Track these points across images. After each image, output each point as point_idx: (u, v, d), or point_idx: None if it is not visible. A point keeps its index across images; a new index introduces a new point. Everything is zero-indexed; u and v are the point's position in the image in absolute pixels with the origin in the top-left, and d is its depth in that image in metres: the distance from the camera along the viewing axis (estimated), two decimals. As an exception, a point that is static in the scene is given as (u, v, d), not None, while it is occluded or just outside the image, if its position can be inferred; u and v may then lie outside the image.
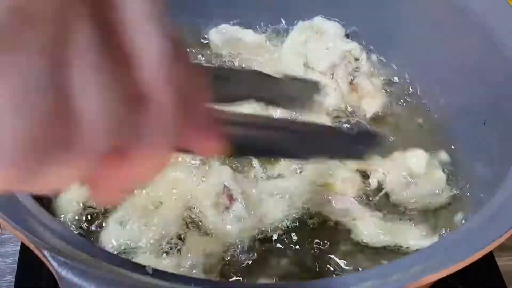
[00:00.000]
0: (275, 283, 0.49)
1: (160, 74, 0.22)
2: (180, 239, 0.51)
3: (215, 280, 0.48)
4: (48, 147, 0.20)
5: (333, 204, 0.55)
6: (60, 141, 0.20)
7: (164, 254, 0.50)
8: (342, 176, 0.56)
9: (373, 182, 0.57)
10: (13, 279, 0.57)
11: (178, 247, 0.51)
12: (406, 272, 0.38)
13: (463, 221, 0.54)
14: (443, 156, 0.60)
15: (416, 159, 0.58)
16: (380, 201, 0.56)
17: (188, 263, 0.49)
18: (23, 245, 0.59)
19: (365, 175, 0.58)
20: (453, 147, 0.61)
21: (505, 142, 0.52)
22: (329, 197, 0.55)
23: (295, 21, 0.71)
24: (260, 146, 0.33)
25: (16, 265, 0.59)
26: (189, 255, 0.50)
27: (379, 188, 0.57)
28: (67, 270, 0.34)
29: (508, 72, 0.53)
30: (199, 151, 0.27)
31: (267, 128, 0.34)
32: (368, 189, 0.57)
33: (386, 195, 0.57)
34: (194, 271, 0.49)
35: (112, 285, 0.34)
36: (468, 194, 0.57)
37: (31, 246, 0.36)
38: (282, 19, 0.72)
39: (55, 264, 0.34)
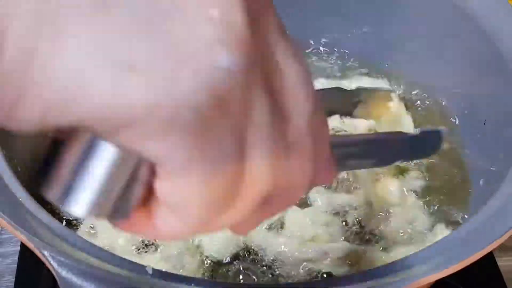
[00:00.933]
0: (275, 283, 0.49)
1: (306, 129, 0.24)
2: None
3: (215, 280, 0.48)
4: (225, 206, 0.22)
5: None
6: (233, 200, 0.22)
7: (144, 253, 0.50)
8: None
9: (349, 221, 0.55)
10: (13, 279, 0.57)
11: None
12: (406, 272, 0.38)
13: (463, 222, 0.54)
14: (416, 181, 0.58)
15: (389, 188, 0.56)
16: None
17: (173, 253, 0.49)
18: (23, 245, 0.59)
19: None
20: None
21: (505, 142, 0.52)
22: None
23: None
24: (352, 159, 0.36)
25: (16, 265, 0.59)
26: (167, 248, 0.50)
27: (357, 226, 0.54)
28: (67, 270, 0.34)
29: (508, 72, 0.53)
30: (320, 182, 0.28)
31: (354, 144, 0.37)
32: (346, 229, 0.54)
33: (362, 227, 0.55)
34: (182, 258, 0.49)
35: (112, 285, 0.34)
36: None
37: (31, 246, 0.36)
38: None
39: (55, 264, 0.34)
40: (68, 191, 0.21)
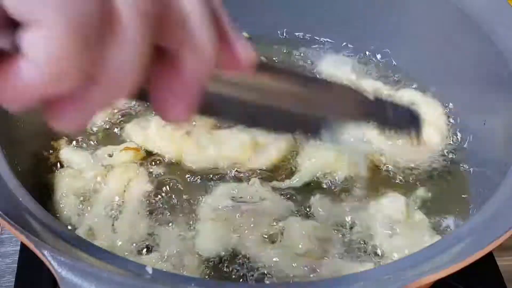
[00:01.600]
0: (275, 283, 0.49)
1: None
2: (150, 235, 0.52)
3: (215, 280, 0.48)
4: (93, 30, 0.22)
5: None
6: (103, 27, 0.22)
7: (144, 251, 0.50)
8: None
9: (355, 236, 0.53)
10: (13, 279, 0.57)
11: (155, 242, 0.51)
12: (406, 272, 0.38)
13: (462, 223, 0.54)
14: (421, 192, 0.57)
15: (394, 204, 0.54)
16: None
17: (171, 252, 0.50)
18: (23, 245, 0.59)
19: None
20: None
21: (505, 142, 0.52)
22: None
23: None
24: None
25: (16, 265, 0.59)
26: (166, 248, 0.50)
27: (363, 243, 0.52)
28: (67, 270, 0.34)
29: (508, 72, 0.53)
30: (232, 62, 0.28)
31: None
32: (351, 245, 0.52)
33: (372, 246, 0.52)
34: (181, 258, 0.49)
35: (112, 285, 0.34)
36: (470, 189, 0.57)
37: (31, 246, 0.36)
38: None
39: (55, 264, 0.34)
40: None
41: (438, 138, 0.61)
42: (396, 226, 0.53)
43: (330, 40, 0.72)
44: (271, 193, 0.55)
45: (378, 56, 0.70)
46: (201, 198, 0.55)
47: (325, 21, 0.71)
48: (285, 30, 0.73)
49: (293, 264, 0.49)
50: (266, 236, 0.52)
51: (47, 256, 0.35)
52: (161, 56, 0.25)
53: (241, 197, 0.55)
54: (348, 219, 0.54)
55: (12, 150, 0.47)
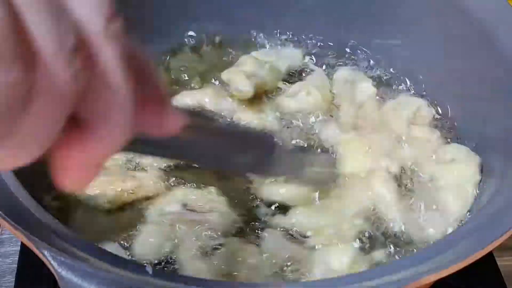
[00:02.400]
0: (274, 283, 0.49)
1: (100, 29, 0.23)
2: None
3: (215, 280, 0.48)
4: (19, 89, 0.20)
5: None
6: (26, 79, 0.20)
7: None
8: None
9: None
10: (13, 279, 0.58)
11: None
12: (406, 272, 0.38)
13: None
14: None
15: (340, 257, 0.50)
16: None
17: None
18: (23, 245, 0.59)
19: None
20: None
21: (505, 142, 0.52)
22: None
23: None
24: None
25: (16, 265, 0.59)
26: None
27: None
28: (67, 270, 0.34)
29: (508, 72, 0.53)
30: (154, 128, 0.27)
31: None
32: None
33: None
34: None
35: (112, 285, 0.34)
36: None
37: (31, 246, 0.36)
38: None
39: (55, 264, 0.34)
40: None
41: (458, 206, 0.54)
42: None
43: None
44: (225, 205, 0.54)
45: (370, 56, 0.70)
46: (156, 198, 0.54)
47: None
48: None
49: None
50: (200, 250, 0.50)
51: (47, 256, 0.35)
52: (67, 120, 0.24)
53: (192, 205, 0.54)
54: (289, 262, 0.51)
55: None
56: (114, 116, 0.24)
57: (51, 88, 0.21)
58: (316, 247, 0.51)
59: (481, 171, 0.55)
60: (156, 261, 0.49)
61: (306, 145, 0.60)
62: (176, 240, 0.51)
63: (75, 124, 0.23)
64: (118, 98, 0.23)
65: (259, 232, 0.53)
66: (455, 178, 0.55)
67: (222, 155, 0.37)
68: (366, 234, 0.52)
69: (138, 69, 0.25)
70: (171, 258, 0.50)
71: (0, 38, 0.19)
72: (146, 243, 0.51)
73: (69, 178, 0.24)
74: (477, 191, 0.54)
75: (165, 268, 0.49)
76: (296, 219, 0.53)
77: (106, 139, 0.24)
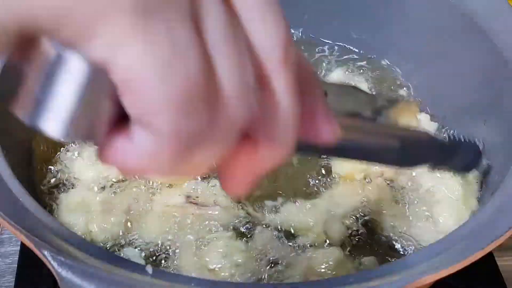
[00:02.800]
0: (274, 283, 0.49)
1: (276, 58, 0.23)
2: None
3: (215, 280, 0.48)
4: (200, 111, 0.21)
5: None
6: (208, 108, 0.21)
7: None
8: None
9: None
10: (13, 279, 0.57)
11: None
12: (406, 272, 0.38)
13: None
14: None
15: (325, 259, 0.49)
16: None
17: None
18: (23, 245, 0.59)
19: None
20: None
21: (505, 142, 0.52)
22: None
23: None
24: (360, 149, 0.33)
25: (16, 265, 0.59)
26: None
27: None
28: (67, 270, 0.34)
29: (508, 72, 0.53)
30: (315, 136, 0.27)
31: (370, 132, 0.34)
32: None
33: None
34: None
35: (112, 285, 0.34)
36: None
37: (31, 246, 0.36)
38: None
39: (55, 264, 0.34)
40: (39, 109, 0.20)
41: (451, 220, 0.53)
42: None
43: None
44: (227, 200, 0.54)
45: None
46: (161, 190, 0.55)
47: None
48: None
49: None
50: (194, 243, 0.51)
51: (47, 256, 0.35)
52: None
53: (196, 197, 0.54)
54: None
55: (11, 149, 0.47)
56: (282, 135, 0.24)
57: (227, 123, 0.22)
58: (304, 247, 0.52)
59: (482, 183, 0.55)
60: (151, 250, 0.51)
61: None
62: (173, 233, 0.51)
63: (244, 137, 0.24)
64: (288, 118, 0.24)
65: (252, 229, 0.53)
66: (450, 191, 0.54)
67: (375, 152, 0.36)
68: (356, 238, 0.53)
69: (304, 81, 0.26)
70: (166, 250, 0.51)
71: (195, 88, 0.20)
72: (148, 231, 0.51)
73: (236, 185, 0.26)
74: (475, 208, 0.53)
75: (158, 256, 0.50)
76: (287, 217, 0.53)
77: (273, 153, 0.25)
